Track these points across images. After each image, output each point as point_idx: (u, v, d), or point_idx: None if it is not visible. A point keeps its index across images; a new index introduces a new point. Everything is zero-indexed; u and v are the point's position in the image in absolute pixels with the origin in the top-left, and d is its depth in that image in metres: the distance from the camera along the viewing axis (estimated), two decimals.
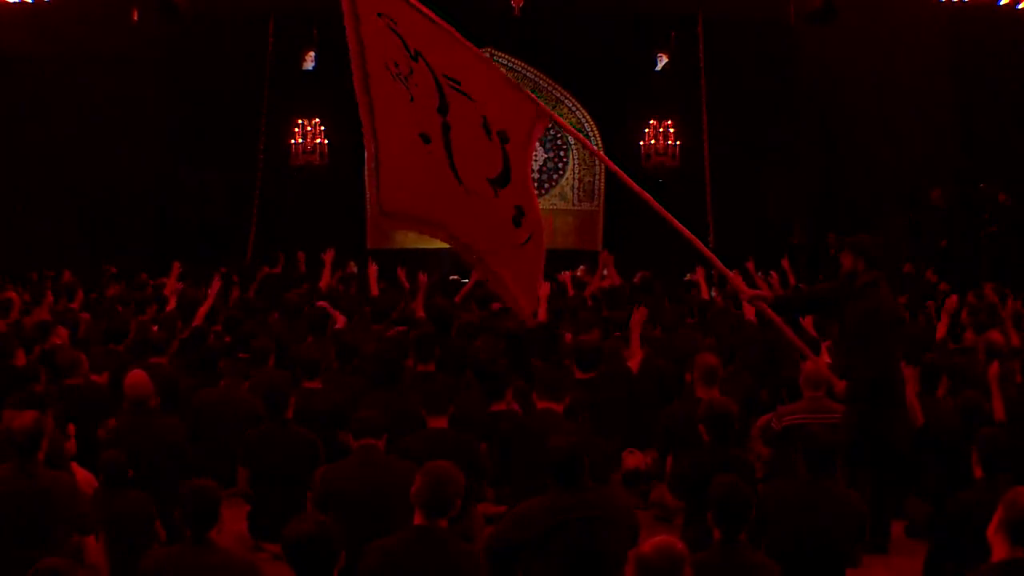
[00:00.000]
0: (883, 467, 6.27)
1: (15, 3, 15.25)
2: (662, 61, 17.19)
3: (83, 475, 5.72)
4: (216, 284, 10.00)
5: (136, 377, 6.40)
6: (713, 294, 11.57)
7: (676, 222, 6.35)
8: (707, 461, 5.59)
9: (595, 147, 6.86)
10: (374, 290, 10.35)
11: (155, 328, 8.67)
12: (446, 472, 4.43)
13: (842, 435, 6.16)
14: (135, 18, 15.53)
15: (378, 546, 4.36)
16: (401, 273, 11.74)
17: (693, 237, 6.41)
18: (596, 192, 18.21)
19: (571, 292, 11.50)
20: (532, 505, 4.73)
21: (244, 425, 6.64)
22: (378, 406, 6.32)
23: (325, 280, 11.59)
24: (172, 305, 9.94)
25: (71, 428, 6.25)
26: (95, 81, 16.29)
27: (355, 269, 14.49)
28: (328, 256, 11.56)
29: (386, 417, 5.74)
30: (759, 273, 11.09)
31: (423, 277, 10.52)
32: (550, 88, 18.02)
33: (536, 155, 18.22)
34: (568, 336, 8.84)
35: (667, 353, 8.46)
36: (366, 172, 6.51)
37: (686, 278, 12.79)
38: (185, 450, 6.34)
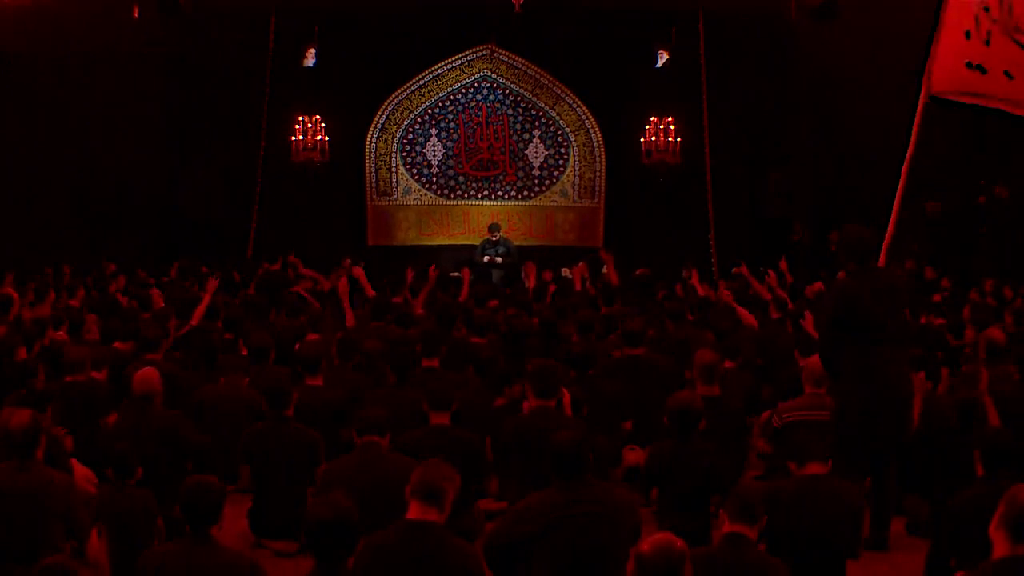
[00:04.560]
0: (860, 453, 6.25)
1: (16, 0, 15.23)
2: (663, 58, 17.14)
3: (82, 472, 5.72)
4: (213, 284, 9.99)
5: (146, 373, 6.40)
6: (719, 290, 11.59)
7: None
8: (671, 453, 5.80)
9: None
10: (369, 291, 10.34)
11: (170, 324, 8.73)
12: (443, 466, 4.45)
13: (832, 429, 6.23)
14: (136, 15, 15.49)
15: (370, 540, 4.36)
16: (410, 272, 11.77)
17: None
18: (597, 189, 18.20)
19: (578, 287, 11.53)
20: (534, 500, 4.74)
21: (246, 422, 6.65)
22: (381, 403, 6.33)
23: (327, 283, 11.64)
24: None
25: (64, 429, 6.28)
26: (96, 78, 16.28)
27: (359, 268, 14.50)
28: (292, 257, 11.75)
29: (389, 414, 5.75)
30: (761, 269, 11.12)
31: (433, 271, 10.56)
32: (551, 85, 18.01)
33: (536, 152, 18.23)
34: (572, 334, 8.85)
35: (667, 350, 8.48)
36: None
37: (683, 274, 12.81)
38: (193, 445, 6.33)
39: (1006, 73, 6.89)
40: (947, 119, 15.89)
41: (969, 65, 7.02)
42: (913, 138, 7.29)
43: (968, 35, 7.03)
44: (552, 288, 11.63)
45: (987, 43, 6.97)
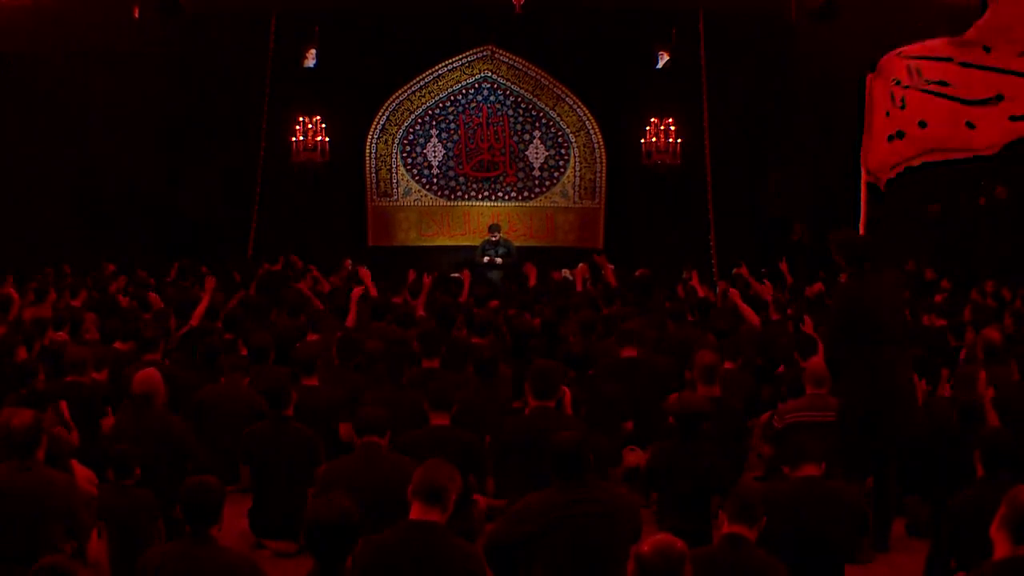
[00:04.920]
0: (863, 454, 6.27)
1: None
2: (663, 58, 17.16)
3: (83, 472, 5.71)
4: (211, 282, 9.99)
5: (147, 373, 6.39)
6: (719, 290, 11.59)
7: None
8: (676, 454, 5.82)
9: None
10: (372, 291, 10.36)
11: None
12: (445, 467, 4.44)
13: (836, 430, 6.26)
14: (136, 15, 15.50)
15: (371, 540, 4.36)
16: (411, 274, 11.79)
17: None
18: (597, 190, 18.20)
19: (580, 288, 11.53)
20: (534, 500, 4.74)
21: (246, 422, 6.64)
22: (381, 403, 6.32)
23: (325, 284, 11.65)
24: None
25: (71, 422, 6.27)
26: (96, 78, 16.27)
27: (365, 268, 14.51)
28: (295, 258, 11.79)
29: (389, 414, 5.74)
30: (763, 270, 11.11)
31: (427, 278, 10.57)
32: (551, 86, 18.01)
33: (537, 152, 18.22)
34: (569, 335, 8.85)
35: (667, 350, 8.47)
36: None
37: (683, 275, 12.81)
38: (190, 447, 6.33)
39: (920, 124, 7.15)
40: None
41: (890, 138, 7.28)
42: (863, 213, 7.44)
43: (888, 113, 7.30)
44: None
45: (902, 107, 7.22)
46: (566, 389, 6.74)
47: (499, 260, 15.68)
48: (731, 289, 10.38)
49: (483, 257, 15.78)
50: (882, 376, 6.21)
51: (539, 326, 8.89)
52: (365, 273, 10.59)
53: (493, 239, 15.99)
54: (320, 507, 4.23)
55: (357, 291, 9.73)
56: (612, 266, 12.03)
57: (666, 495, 5.91)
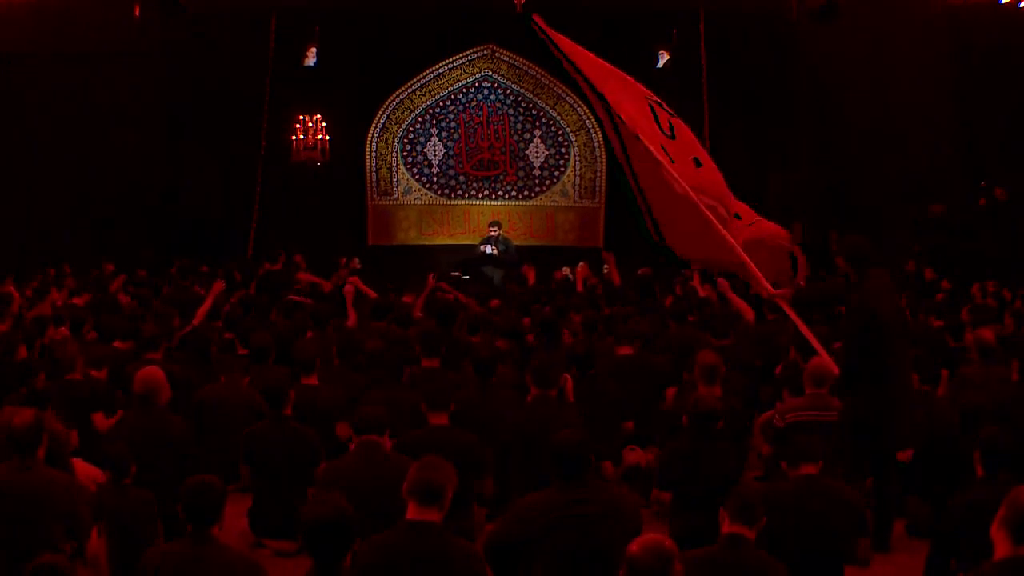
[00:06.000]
0: (864, 456, 6.28)
1: None
2: (663, 58, 17.16)
3: (84, 469, 5.70)
4: (219, 286, 9.98)
5: (149, 372, 6.38)
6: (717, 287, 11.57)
7: (717, 224, 6.93)
8: (689, 454, 5.82)
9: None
10: (371, 294, 10.31)
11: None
12: (439, 464, 4.44)
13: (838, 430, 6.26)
14: (136, 14, 15.51)
15: (371, 540, 4.36)
16: (431, 278, 11.79)
17: (727, 235, 6.87)
18: (597, 189, 18.22)
19: (580, 288, 11.52)
20: (534, 500, 4.74)
21: (246, 422, 6.65)
22: (380, 402, 6.32)
23: (328, 284, 11.64)
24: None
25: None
26: (97, 77, 16.29)
27: (359, 265, 14.49)
28: (299, 258, 11.73)
29: (388, 413, 5.75)
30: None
31: (431, 278, 10.57)
32: (551, 85, 18.02)
33: (537, 152, 18.23)
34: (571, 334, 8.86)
35: (667, 350, 8.47)
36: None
37: (684, 272, 12.79)
38: (189, 448, 6.32)
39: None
40: (947, 124, 15.97)
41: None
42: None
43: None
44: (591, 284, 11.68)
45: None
46: (568, 376, 6.75)
47: (495, 250, 15.55)
48: (720, 279, 10.28)
49: (482, 247, 15.69)
50: (883, 377, 6.21)
51: (538, 326, 8.88)
52: (353, 280, 10.54)
53: (493, 234, 15.97)
54: (315, 507, 4.23)
55: (349, 289, 9.72)
56: (613, 256, 12.01)
57: (679, 495, 5.88)
